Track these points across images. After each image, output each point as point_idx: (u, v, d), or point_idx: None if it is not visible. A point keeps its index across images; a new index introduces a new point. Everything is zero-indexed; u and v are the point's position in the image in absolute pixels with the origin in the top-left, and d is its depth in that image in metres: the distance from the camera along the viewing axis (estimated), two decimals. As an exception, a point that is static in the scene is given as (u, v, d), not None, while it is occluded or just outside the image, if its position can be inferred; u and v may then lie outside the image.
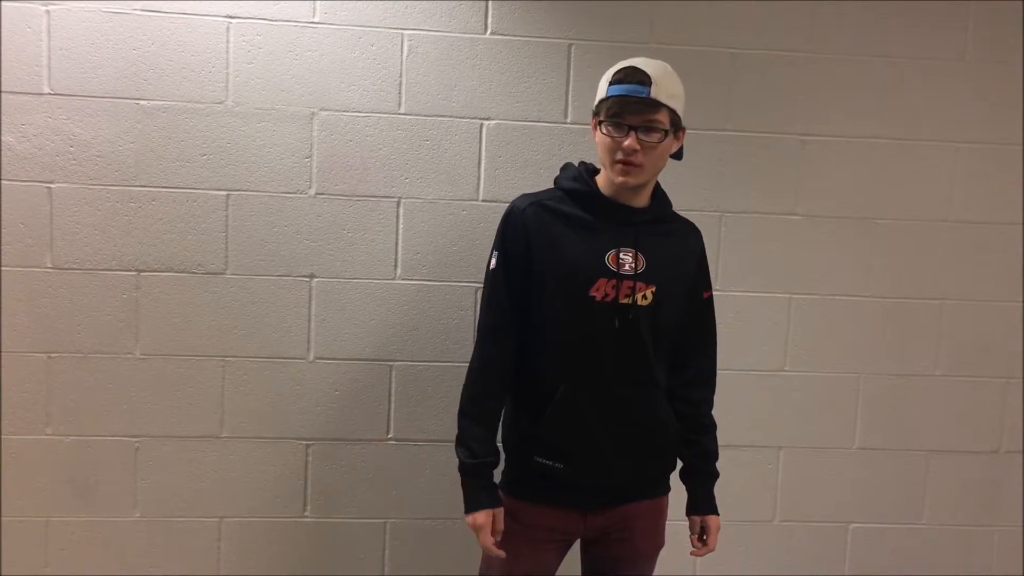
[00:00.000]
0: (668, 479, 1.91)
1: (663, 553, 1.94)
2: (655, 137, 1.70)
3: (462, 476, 1.78)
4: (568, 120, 2.33)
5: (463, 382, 1.82)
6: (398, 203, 2.30)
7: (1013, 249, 2.48)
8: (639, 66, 1.70)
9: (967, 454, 2.53)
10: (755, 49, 2.36)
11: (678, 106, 1.73)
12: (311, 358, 2.31)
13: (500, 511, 1.78)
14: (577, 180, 1.81)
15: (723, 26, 2.35)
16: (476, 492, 1.77)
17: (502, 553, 1.76)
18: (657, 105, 1.69)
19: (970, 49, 2.41)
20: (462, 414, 1.80)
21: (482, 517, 1.75)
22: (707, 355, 1.95)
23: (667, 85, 1.71)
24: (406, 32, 2.26)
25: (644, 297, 1.75)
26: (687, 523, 1.92)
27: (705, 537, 1.91)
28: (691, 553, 1.92)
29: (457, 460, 1.79)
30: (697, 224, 1.93)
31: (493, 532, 1.76)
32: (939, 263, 2.47)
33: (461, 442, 1.79)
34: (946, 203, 2.45)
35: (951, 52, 2.41)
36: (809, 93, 2.39)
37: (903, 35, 2.40)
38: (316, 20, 2.24)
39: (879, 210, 2.44)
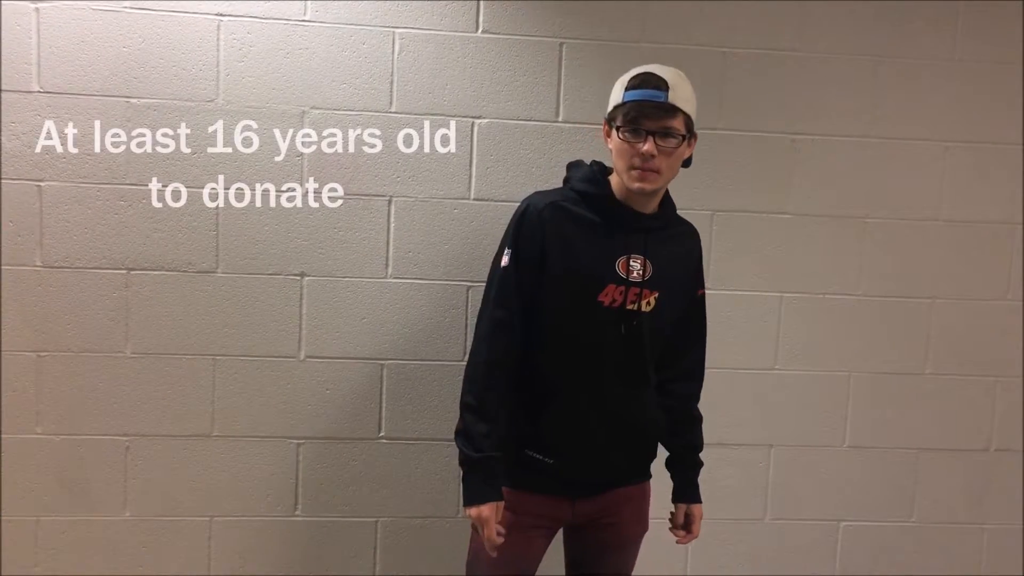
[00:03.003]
0: (649, 465, 1.95)
1: (655, 553, 1.95)
2: (672, 143, 1.70)
3: (465, 469, 1.76)
4: (559, 119, 2.33)
5: (465, 374, 1.80)
6: (389, 202, 2.30)
7: (1003, 248, 2.49)
8: (655, 72, 1.71)
9: (957, 452, 2.54)
10: (746, 48, 2.37)
11: (692, 112, 1.73)
12: (302, 357, 2.31)
13: (502, 505, 1.77)
14: (591, 182, 1.80)
15: (714, 25, 2.35)
16: (480, 486, 1.75)
17: (499, 542, 1.75)
18: (674, 110, 1.69)
19: (959, 48, 2.42)
20: (467, 408, 1.77)
21: (487, 510, 1.73)
22: (698, 350, 1.98)
23: (683, 91, 1.72)
24: (397, 30, 2.26)
25: (648, 303, 1.78)
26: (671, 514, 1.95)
27: (689, 525, 1.95)
28: (677, 542, 1.96)
29: (458, 452, 1.77)
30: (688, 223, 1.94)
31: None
32: (929, 262, 2.47)
33: (465, 435, 1.76)
34: (936, 202, 2.46)
35: (941, 51, 2.42)
36: (800, 92, 2.40)
37: (893, 34, 2.40)
38: (307, 18, 2.23)
39: (869, 209, 2.44)
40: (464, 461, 1.76)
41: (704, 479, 1.98)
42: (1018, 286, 2.50)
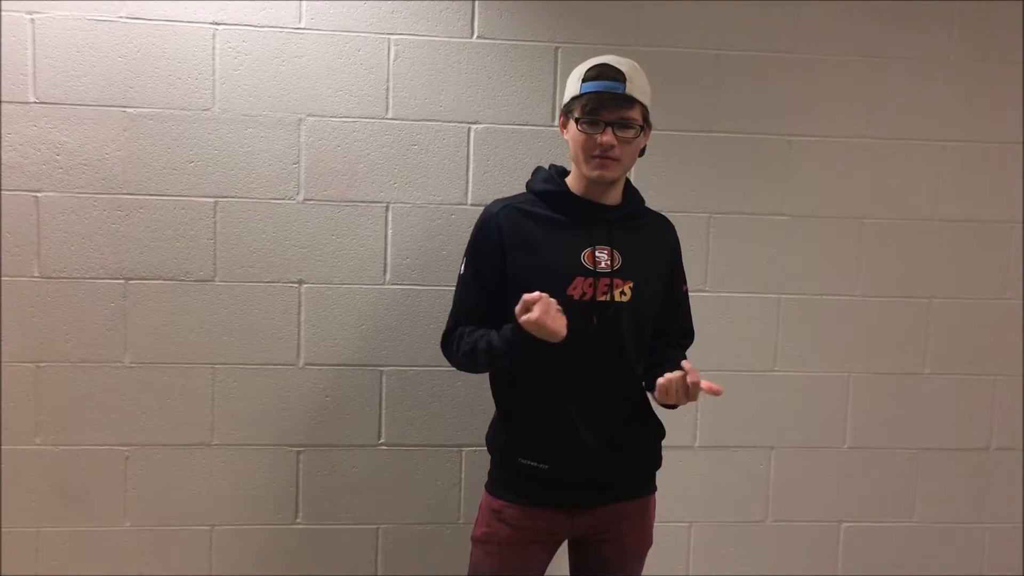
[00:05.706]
0: (654, 477, 1.93)
1: (655, 554, 1.94)
2: (630, 133, 1.74)
3: (501, 352, 1.72)
4: (555, 123, 2.32)
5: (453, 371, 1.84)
6: (386, 208, 2.30)
7: (1001, 247, 2.49)
8: (611, 63, 1.74)
9: (957, 452, 2.54)
10: (740, 50, 2.37)
11: (648, 103, 1.78)
12: (301, 364, 2.31)
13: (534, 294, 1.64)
14: (548, 182, 1.85)
15: (708, 27, 2.35)
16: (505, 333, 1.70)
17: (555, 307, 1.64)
18: (632, 101, 1.73)
19: (955, 49, 2.42)
20: (457, 354, 1.81)
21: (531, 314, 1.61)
22: (683, 339, 1.97)
23: (639, 82, 1.76)
24: (393, 37, 2.26)
25: (623, 293, 1.78)
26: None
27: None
28: (701, 385, 1.65)
29: (488, 356, 1.74)
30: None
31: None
32: (926, 262, 2.47)
33: (483, 354, 1.75)
34: (932, 202, 2.46)
35: (936, 51, 2.43)
36: (795, 93, 2.40)
37: (888, 35, 2.41)
38: (302, 26, 2.23)
39: (866, 210, 2.45)
40: (492, 352, 1.73)
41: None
42: (1017, 285, 2.50)
